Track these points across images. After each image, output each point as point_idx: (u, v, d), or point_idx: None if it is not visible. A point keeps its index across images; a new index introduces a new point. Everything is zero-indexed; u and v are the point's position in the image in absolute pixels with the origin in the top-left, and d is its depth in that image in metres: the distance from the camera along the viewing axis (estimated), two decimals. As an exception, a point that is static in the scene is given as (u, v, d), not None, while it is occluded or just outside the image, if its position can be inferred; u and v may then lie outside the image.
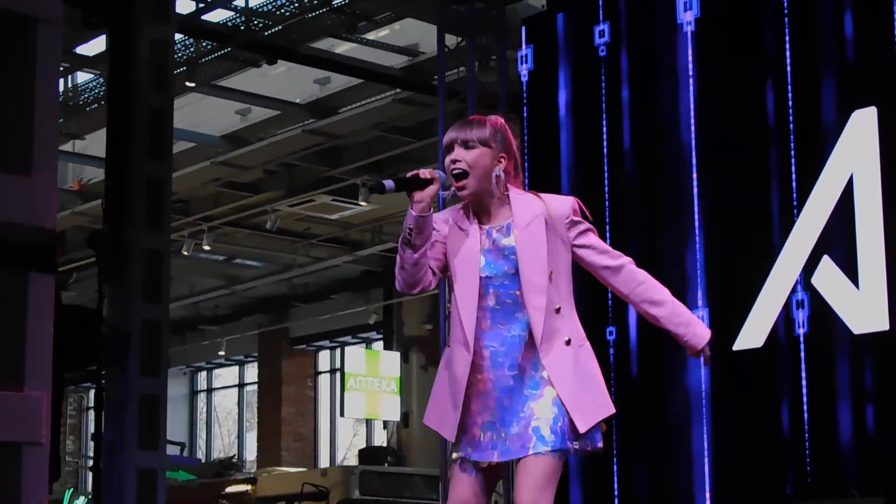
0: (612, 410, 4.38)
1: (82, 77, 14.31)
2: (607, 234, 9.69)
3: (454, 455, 4.40)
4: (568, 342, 4.31)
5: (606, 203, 9.90)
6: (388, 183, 4.31)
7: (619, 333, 9.67)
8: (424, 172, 4.30)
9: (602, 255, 4.42)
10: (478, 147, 4.32)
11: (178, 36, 11.94)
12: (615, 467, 9.61)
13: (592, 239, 4.42)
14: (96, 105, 13.78)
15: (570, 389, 4.27)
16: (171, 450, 20.10)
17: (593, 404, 4.31)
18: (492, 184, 4.34)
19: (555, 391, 4.27)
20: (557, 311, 4.32)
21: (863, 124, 8.65)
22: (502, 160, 4.35)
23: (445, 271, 4.42)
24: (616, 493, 9.69)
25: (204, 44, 12.61)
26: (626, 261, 4.44)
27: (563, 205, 4.38)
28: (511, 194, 4.38)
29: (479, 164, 4.32)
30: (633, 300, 4.46)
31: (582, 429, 4.26)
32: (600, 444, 4.37)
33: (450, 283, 4.47)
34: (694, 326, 4.47)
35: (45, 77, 3.09)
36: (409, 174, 4.32)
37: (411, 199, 4.27)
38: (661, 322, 4.45)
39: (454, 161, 4.34)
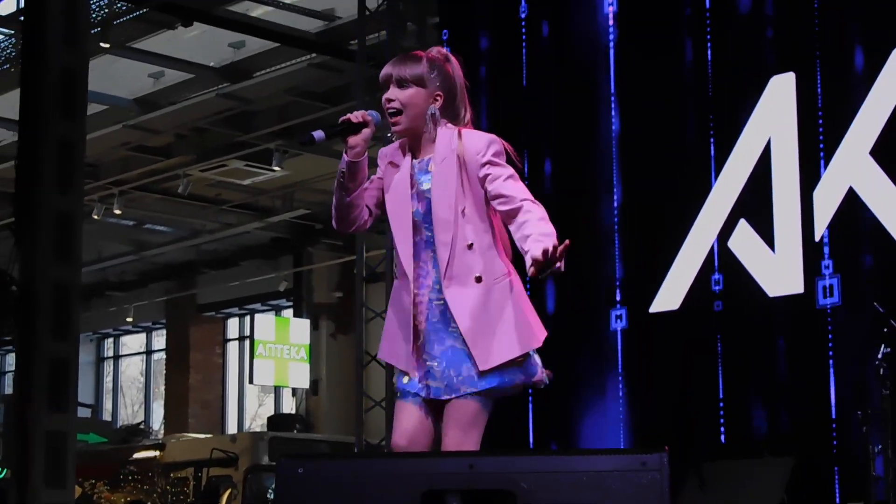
0: (524, 349, 4.24)
1: (-6, 37, 14.05)
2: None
3: (398, 388, 4.39)
4: (478, 279, 4.24)
5: (526, 169, 9.93)
6: (318, 134, 4.31)
7: (534, 292, 9.73)
8: (356, 116, 4.31)
9: (499, 181, 4.23)
10: (411, 87, 4.31)
11: (93, -5, 11.76)
12: (530, 415, 9.68)
13: (494, 169, 4.25)
14: (8, 66, 13.55)
15: (470, 327, 4.21)
16: (83, 412, 19.89)
17: (497, 342, 4.21)
18: (426, 122, 4.33)
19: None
20: (469, 247, 4.25)
21: (781, 89, 8.75)
22: (438, 98, 4.33)
23: (382, 208, 4.42)
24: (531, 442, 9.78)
25: (118, 4, 12.44)
26: (529, 198, 4.20)
27: (480, 141, 4.30)
28: (439, 131, 4.35)
29: (412, 104, 4.31)
30: (514, 234, 4.21)
31: (481, 367, 4.20)
32: (538, 377, 4.29)
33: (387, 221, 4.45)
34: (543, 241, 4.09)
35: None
36: (340, 120, 4.33)
37: (346, 144, 4.30)
38: (518, 241, 4.19)
39: (388, 100, 4.33)
